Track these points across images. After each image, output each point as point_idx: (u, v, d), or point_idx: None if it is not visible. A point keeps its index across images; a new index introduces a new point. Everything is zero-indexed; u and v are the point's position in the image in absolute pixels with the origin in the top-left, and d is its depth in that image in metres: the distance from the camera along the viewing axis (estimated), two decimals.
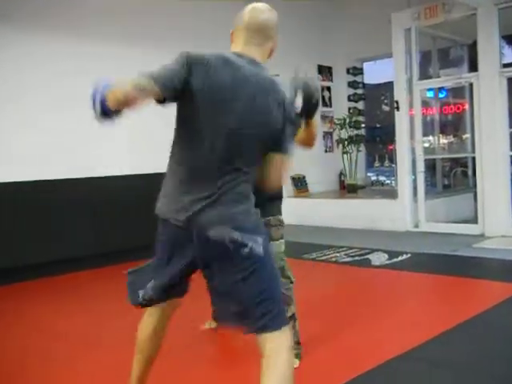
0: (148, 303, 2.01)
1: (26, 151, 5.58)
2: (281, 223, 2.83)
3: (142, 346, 2.08)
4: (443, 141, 9.02)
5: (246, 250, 1.77)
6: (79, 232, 5.96)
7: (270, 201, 2.76)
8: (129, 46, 6.30)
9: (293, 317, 2.76)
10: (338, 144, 8.88)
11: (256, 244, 1.79)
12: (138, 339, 2.09)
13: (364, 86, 10.09)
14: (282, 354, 1.78)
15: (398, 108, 7.14)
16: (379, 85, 14.55)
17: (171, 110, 1.89)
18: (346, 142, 8.71)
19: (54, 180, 5.72)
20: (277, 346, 1.78)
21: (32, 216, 5.58)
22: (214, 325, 3.32)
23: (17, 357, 3.14)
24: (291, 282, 2.79)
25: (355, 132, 8.93)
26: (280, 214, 2.86)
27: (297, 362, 2.74)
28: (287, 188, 8.41)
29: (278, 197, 2.83)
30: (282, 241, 2.81)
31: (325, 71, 9.49)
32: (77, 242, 5.89)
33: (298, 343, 2.81)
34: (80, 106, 6.42)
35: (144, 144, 6.35)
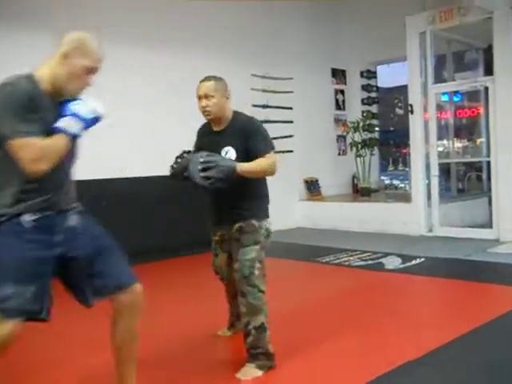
0: None
1: None
2: (255, 229, 2.69)
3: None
4: (458, 145, 8.97)
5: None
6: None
7: (236, 207, 2.71)
8: (128, 45, 6.27)
9: (261, 327, 2.62)
10: (351, 147, 8.86)
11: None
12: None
13: (378, 89, 10.07)
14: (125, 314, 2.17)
15: (412, 111, 7.11)
16: (393, 88, 14.49)
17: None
18: (359, 146, 8.69)
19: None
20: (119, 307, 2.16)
21: None
22: (228, 333, 3.25)
23: (13, 356, 3.12)
24: (260, 291, 2.63)
25: (369, 135, 8.92)
26: (256, 218, 2.72)
27: (259, 373, 2.61)
28: (300, 191, 8.42)
29: (253, 201, 2.75)
30: (255, 247, 2.66)
31: (338, 74, 9.49)
32: None
33: (267, 354, 2.65)
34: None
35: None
